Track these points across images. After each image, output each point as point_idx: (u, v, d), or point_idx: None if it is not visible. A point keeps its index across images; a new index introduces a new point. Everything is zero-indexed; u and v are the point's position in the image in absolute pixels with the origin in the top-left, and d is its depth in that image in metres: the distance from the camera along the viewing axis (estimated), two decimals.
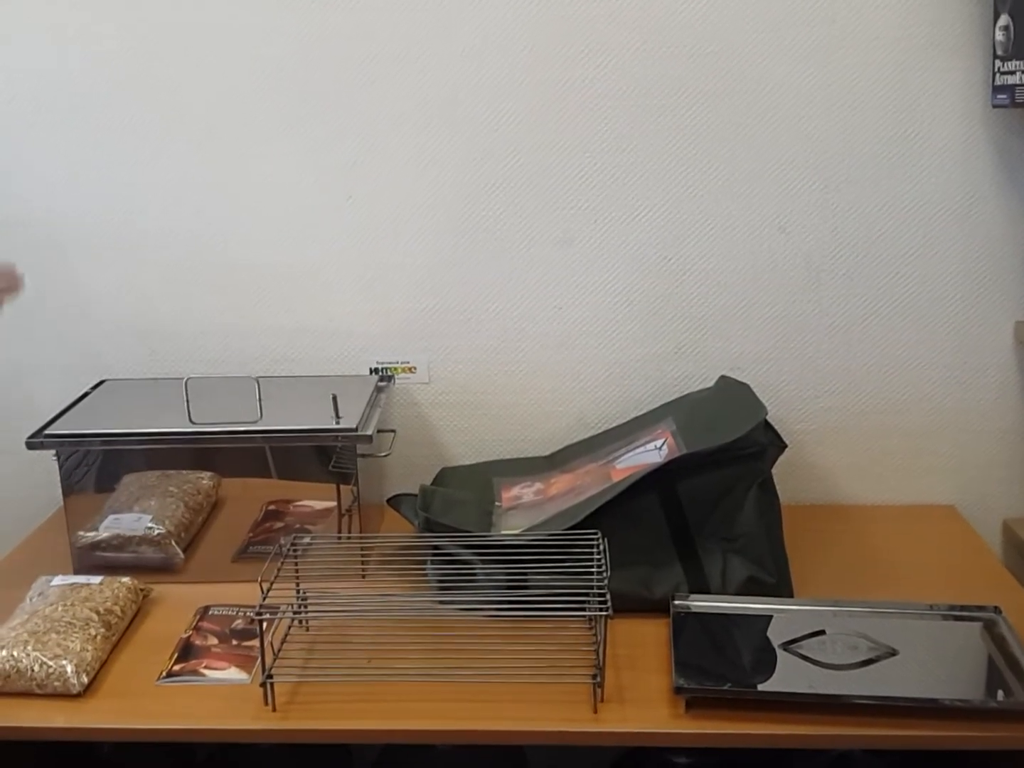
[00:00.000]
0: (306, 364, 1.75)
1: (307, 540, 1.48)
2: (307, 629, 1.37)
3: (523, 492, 1.61)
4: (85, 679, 1.26)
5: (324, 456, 1.51)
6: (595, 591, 1.26)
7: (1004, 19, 1.48)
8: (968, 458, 1.73)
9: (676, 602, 1.37)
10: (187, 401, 1.53)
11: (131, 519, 1.51)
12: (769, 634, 1.32)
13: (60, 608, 1.34)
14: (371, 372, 1.75)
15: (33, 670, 1.25)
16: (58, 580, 1.42)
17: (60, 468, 1.50)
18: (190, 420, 1.50)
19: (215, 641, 1.36)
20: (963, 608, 1.35)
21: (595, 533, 1.37)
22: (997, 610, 1.34)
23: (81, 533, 1.52)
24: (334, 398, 1.52)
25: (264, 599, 1.24)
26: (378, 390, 1.65)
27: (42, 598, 1.38)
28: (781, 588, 1.41)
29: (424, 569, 1.47)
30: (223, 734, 1.22)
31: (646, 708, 1.21)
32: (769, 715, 1.18)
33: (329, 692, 1.25)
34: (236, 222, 1.69)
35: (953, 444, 1.72)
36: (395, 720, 1.20)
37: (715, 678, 1.23)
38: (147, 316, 1.74)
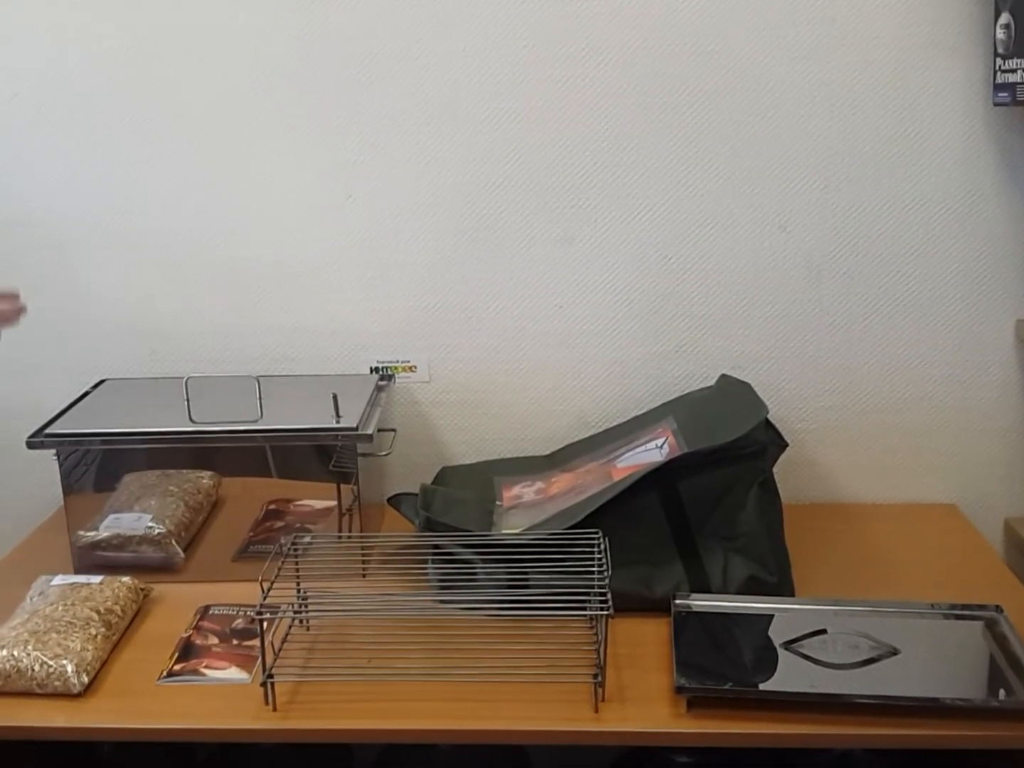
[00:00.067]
0: (306, 363, 1.75)
1: (307, 539, 1.48)
2: (307, 629, 1.37)
3: (524, 491, 1.61)
4: (85, 679, 1.26)
5: (324, 455, 1.51)
6: (596, 590, 1.26)
7: (1005, 17, 1.48)
8: (969, 457, 1.72)
9: (677, 601, 1.37)
10: (187, 400, 1.53)
11: (131, 518, 1.51)
12: (770, 633, 1.32)
13: (60, 608, 1.34)
14: (371, 371, 1.75)
15: (33, 670, 1.25)
16: (58, 580, 1.42)
17: (60, 467, 1.50)
18: (190, 419, 1.50)
19: (215, 640, 1.36)
20: (964, 607, 1.35)
21: (596, 532, 1.37)
22: (998, 609, 1.34)
23: (81, 532, 1.52)
24: (334, 397, 1.52)
25: (264, 598, 1.23)
26: (378, 389, 1.65)
27: (42, 598, 1.38)
28: (782, 587, 1.41)
29: (425, 568, 1.47)
30: (224, 734, 1.22)
31: (647, 707, 1.21)
32: (770, 714, 1.18)
33: (330, 692, 1.24)
34: (236, 221, 1.69)
35: (954, 443, 1.72)
36: (396, 720, 1.20)
37: (716, 677, 1.23)
38: (147, 315, 1.74)
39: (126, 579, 1.43)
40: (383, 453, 1.61)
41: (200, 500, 1.52)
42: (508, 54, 1.59)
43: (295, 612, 1.36)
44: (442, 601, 1.40)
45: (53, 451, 1.49)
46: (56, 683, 1.25)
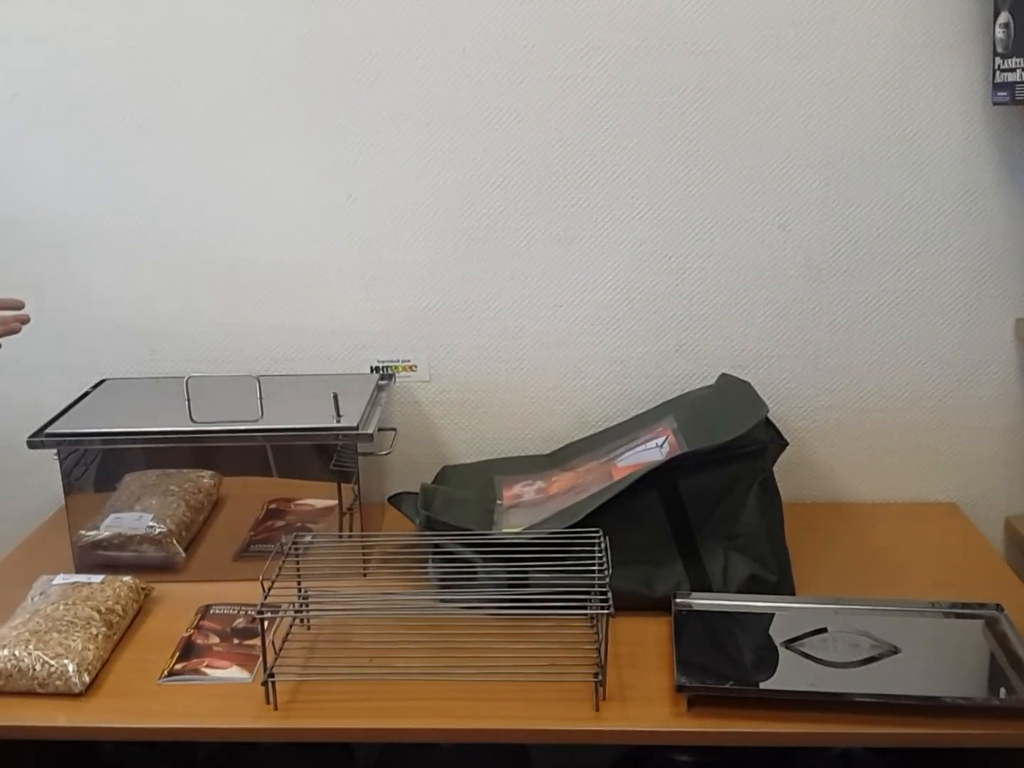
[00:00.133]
0: (307, 363, 1.75)
1: (308, 539, 1.48)
2: (308, 628, 1.37)
3: (524, 490, 1.61)
4: (87, 678, 1.26)
5: (325, 455, 1.51)
6: (596, 589, 1.26)
7: (1004, 16, 1.48)
8: (969, 455, 1.73)
9: (678, 600, 1.37)
10: (188, 400, 1.53)
11: (132, 518, 1.51)
12: (771, 632, 1.32)
13: (62, 607, 1.34)
14: (372, 371, 1.75)
15: (35, 669, 1.25)
16: (59, 579, 1.42)
17: (61, 467, 1.50)
18: (191, 419, 1.50)
19: (216, 640, 1.36)
20: (965, 606, 1.35)
21: (596, 531, 1.37)
22: (999, 607, 1.34)
23: (82, 532, 1.52)
24: (335, 397, 1.52)
25: (265, 598, 1.24)
26: (379, 388, 1.65)
27: (43, 597, 1.38)
28: (782, 586, 1.41)
29: (425, 567, 1.47)
30: (224, 733, 1.22)
31: (648, 706, 1.21)
32: (771, 713, 1.18)
33: (331, 691, 1.25)
34: (236, 221, 1.69)
35: (954, 441, 1.72)
36: (397, 719, 1.20)
37: (717, 676, 1.23)
38: (148, 315, 1.74)
39: (127, 578, 1.43)
40: (384, 452, 1.61)
41: (201, 499, 1.52)
42: (508, 54, 1.59)
43: (296, 611, 1.36)
44: (443, 600, 1.40)
45: (54, 451, 1.49)
46: (57, 682, 1.25)
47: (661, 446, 1.51)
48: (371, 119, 1.63)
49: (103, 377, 1.73)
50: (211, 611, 1.43)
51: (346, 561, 1.48)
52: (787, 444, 1.50)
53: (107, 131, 1.66)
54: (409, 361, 1.74)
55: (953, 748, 1.21)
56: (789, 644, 1.29)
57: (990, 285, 1.65)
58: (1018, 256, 1.64)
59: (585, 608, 1.27)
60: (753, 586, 1.39)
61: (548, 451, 1.73)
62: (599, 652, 1.23)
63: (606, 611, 1.20)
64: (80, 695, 1.25)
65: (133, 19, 1.62)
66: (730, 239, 1.66)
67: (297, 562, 1.40)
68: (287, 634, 1.33)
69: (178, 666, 1.31)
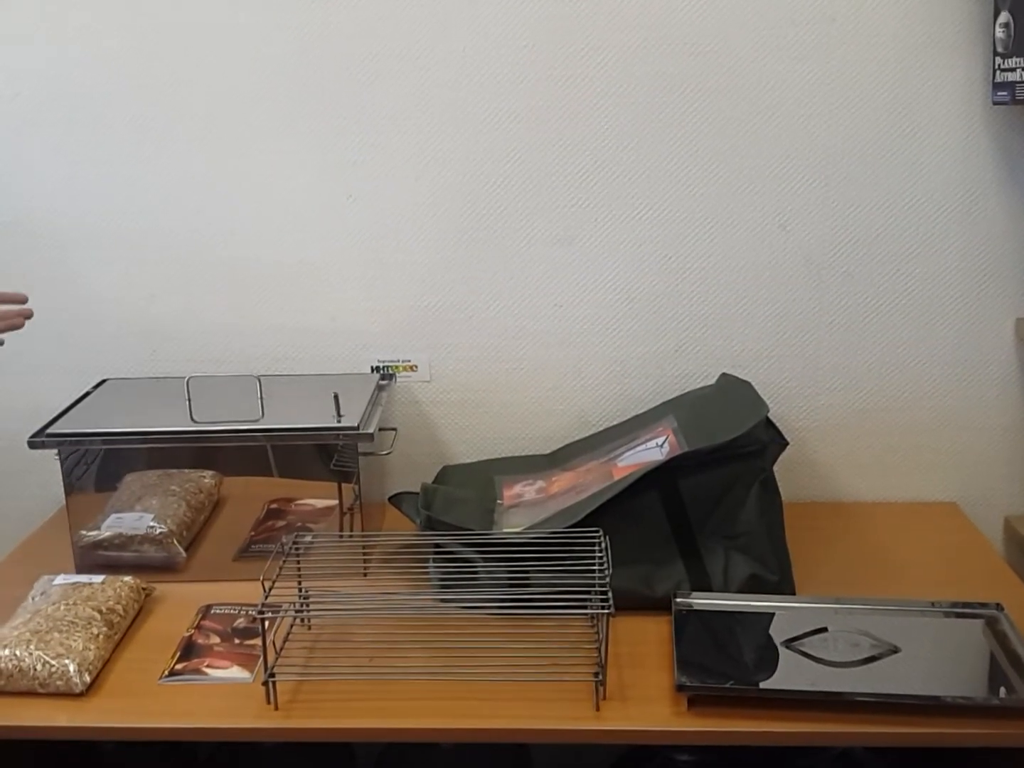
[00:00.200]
0: (307, 363, 1.75)
1: (309, 539, 1.48)
2: (309, 628, 1.38)
3: (525, 490, 1.61)
4: (87, 678, 1.26)
5: (326, 454, 1.51)
6: (597, 589, 1.26)
7: (1004, 16, 1.48)
8: (969, 455, 1.73)
9: (678, 600, 1.37)
10: (189, 400, 1.53)
11: (133, 518, 1.51)
12: (771, 632, 1.32)
13: (62, 607, 1.34)
14: (372, 370, 1.75)
15: (36, 669, 1.25)
16: (60, 579, 1.42)
17: (62, 467, 1.50)
18: (192, 419, 1.50)
19: (217, 640, 1.36)
20: (965, 605, 1.35)
21: (597, 531, 1.37)
22: (999, 607, 1.34)
23: (83, 532, 1.52)
24: (335, 397, 1.52)
25: (266, 598, 1.24)
26: (379, 388, 1.65)
27: (44, 597, 1.38)
28: (783, 586, 1.41)
29: (426, 567, 1.47)
30: (225, 733, 1.22)
31: (648, 706, 1.21)
32: (771, 713, 1.18)
33: (331, 691, 1.25)
34: (237, 221, 1.69)
35: (954, 441, 1.72)
36: (397, 718, 1.20)
37: (717, 676, 1.23)
38: (148, 315, 1.74)
39: (128, 578, 1.43)
40: (384, 452, 1.61)
41: (202, 499, 1.52)
42: (508, 54, 1.59)
43: (296, 611, 1.36)
44: (443, 600, 1.40)
45: (55, 451, 1.49)
46: (58, 682, 1.25)
47: (661, 446, 1.51)
48: (371, 119, 1.63)
49: (104, 377, 1.73)
50: (212, 611, 1.43)
51: (347, 561, 1.48)
52: (787, 444, 1.50)
53: (107, 131, 1.66)
54: (409, 361, 1.74)
55: (953, 748, 1.20)
56: (789, 644, 1.29)
57: (990, 285, 1.65)
58: (1018, 256, 1.64)
59: (585, 608, 1.27)
60: (753, 586, 1.39)
61: (548, 451, 1.74)
62: (599, 652, 1.23)
63: (606, 611, 1.20)
64: (81, 695, 1.25)
65: (133, 19, 1.62)
66: (730, 239, 1.66)
67: (298, 562, 1.40)
68: (288, 634, 1.33)
69: (179, 666, 1.31)
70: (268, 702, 1.23)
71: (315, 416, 1.50)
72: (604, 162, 1.63)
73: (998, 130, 1.59)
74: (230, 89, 1.64)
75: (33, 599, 1.39)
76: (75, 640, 1.28)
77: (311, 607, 1.38)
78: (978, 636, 1.31)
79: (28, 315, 1.43)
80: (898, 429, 1.72)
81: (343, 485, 1.52)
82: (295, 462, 1.51)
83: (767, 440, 1.45)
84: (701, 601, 1.38)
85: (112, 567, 1.50)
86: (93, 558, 1.52)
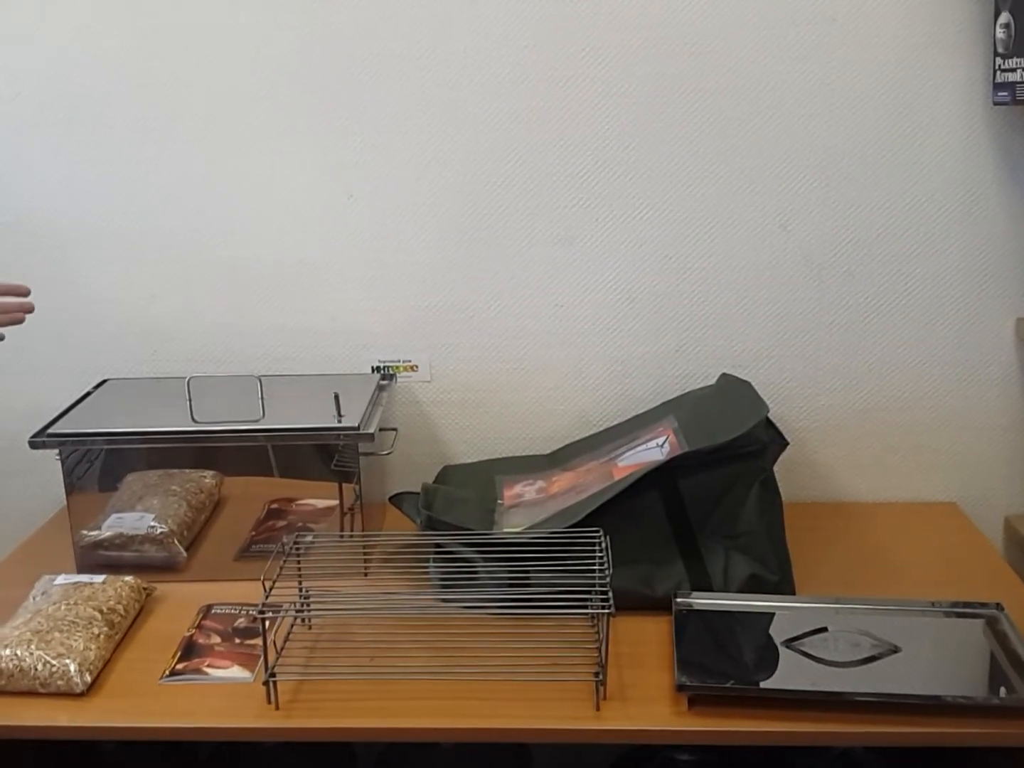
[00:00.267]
0: (308, 363, 1.75)
1: (309, 538, 1.48)
2: (309, 627, 1.38)
3: (525, 490, 1.62)
4: (88, 678, 1.26)
5: (326, 455, 1.51)
6: (597, 589, 1.26)
7: (1005, 17, 1.48)
8: (970, 455, 1.73)
9: (678, 600, 1.37)
10: (189, 400, 1.53)
11: (134, 518, 1.51)
12: (771, 631, 1.32)
13: (63, 607, 1.34)
14: (373, 371, 1.75)
15: (36, 669, 1.25)
16: (61, 579, 1.42)
17: (63, 467, 1.50)
18: (192, 419, 1.50)
19: (218, 640, 1.37)
20: (965, 605, 1.35)
21: (597, 531, 1.37)
22: (999, 607, 1.34)
23: (84, 532, 1.52)
24: (336, 397, 1.52)
25: (267, 597, 1.24)
26: (380, 388, 1.65)
27: (45, 597, 1.38)
28: (783, 586, 1.41)
29: (426, 567, 1.47)
30: (226, 733, 1.22)
31: (648, 706, 1.21)
32: (771, 712, 1.18)
33: (332, 690, 1.25)
34: (237, 221, 1.69)
35: (955, 441, 1.72)
36: (398, 718, 1.20)
37: (717, 676, 1.23)
38: (149, 315, 1.74)
39: (129, 578, 1.43)
40: (385, 452, 1.61)
41: (202, 499, 1.52)
42: (509, 54, 1.59)
43: (297, 611, 1.36)
44: (444, 600, 1.40)
45: (56, 451, 1.49)
46: (59, 682, 1.25)
47: (662, 446, 1.51)
48: (372, 119, 1.64)
49: (105, 377, 1.73)
50: (212, 611, 1.43)
51: (347, 561, 1.48)
52: (787, 444, 1.50)
53: (108, 131, 1.67)
54: (410, 361, 1.74)
55: (954, 747, 1.21)
56: (790, 643, 1.29)
57: (991, 285, 1.65)
58: (1018, 256, 1.64)
59: (586, 608, 1.27)
60: (754, 585, 1.40)
61: (549, 451, 1.74)
62: (600, 651, 1.23)
63: (607, 611, 1.20)
64: (82, 695, 1.25)
65: (133, 19, 1.62)
66: (731, 239, 1.66)
67: (298, 562, 1.40)
68: (288, 634, 1.33)
69: (179, 666, 1.31)
70: (269, 702, 1.23)
71: (316, 416, 1.51)
72: (605, 162, 1.63)
73: (999, 130, 1.59)
74: (230, 89, 1.64)
75: (34, 599, 1.39)
76: (76, 640, 1.28)
77: (312, 607, 1.38)
78: (978, 636, 1.31)
79: (29, 309, 1.43)
80: (898, 429, 1.72)
81: (344, 485, 1.52)
82: (296, 462, 1.51)
83: (767, 440, 1.45)
84: (701, 601, 1.38)
85: (113, 567, 1.50)
86: (94, 558, 1.52)
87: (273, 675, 1.23)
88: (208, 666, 1.31)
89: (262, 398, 1.54)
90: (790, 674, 1.23)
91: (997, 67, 1.52)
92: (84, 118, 1.66)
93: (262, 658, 1.25)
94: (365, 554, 1.51)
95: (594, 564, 1.32)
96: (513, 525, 1.51)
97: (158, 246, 1.71)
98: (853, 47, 1.57)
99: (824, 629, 1.31)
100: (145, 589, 1.45)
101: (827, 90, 1.59)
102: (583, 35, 1.58)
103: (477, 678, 1.24)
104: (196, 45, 1.62)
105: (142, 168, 1.68)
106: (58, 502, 1.65)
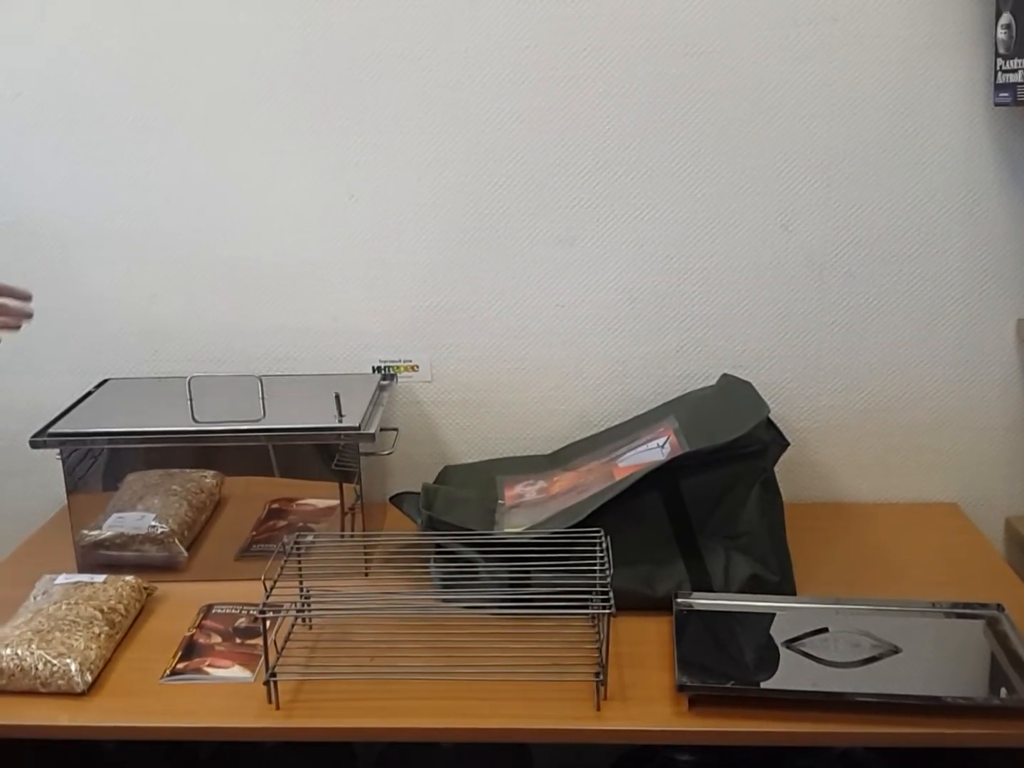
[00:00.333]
0: (309, 363, 1.75)
1: (310, 538, 1.48)
2: (310, 627, 1.38)
3: (526, 490, 1.62)
4: (89, 677, 1.26)
5: (327, 454, 1.51)
6: (598, 589, 1.26)
7: (1006, 17, 1.48)
8: (971, 456, 1.73)
9: (679, 600, 1.37)
10: (190, 400, 1.53)
11: (135, 518, 1.51)
12: (772, 632, 1.32)
13: (64, 607, 1.34)
14: (374, 371, 1.75)
15: (37, 668, 1.25)
16: (62, 579, 1.42)
17: (64, 467, 1.50)
18: (193, 419, 1.50)
19: (218, 639, 1.37)
20: (966, 606, 1.35)
21: (598, 531, 1.37)
22: (1000, 607, 1.34)
23: (85, 532, 1.52)
24: (337, 397, 1.52)
25: (267, 597, 1.24)
26: (381, 388, 1.65)
27: (46, 596, 1.38)
28: (784, 586, 1.41)
29: (427, 567, 1.47)
30: (226, 732, 1.22)
31: (649, 706, 1.21)
32: (772, 713, 1.18)
33: (332, 690, 1.25)
34: (238, 221, 1.69)
35: (956, 442, 1.72)
36: (398, 718, 1.20)
37: (718, 676, 1.23)
38: (150, 315, 1.74)
39: (129, 578, 1.43)
40: (385, 452, 1.61)
41: (203, 499, 1.52)
42: (510, 54, 1.60)
43: (298, 611, 1.36)
44: (444, 600, 1.40)
45: (56, 450, 1.49)
46: (60, 682, 1.25)
47: (662, 446, 1.51)
48: (373, 119, 1.64)
49: (105, 377, 1.73)
50: (213, 611, 1.43)
51: (348, 561, 1.48)
52: (788, 444, 1.50)
53: (108, 131, 1.67)
54: (411, 361, 1.74)
55: (954, 748, 1.20)
56: (790, 644, 1.29)
57: (992, 285, 1.65)
58: (1020, 256, 1.64)
59: (586, 608, 1.27)
60: (754, 586, 1.40)
61: (550, 451, 1.74)
62: (600, 652, 1.23)
63: (607, 611, 1.20)
64: (82, 694, 1.26)
65: (133, 19, 1.62)
66: (732, 239, 1.66)
67: (299, 562, 1.40)
68: (289, 634, 1.33)
69: (180, 665, 1.31)
70: (269, 702, 1.23)
71: (316, 416, 1.51)
72: (606, 162, 1.63)
73: (1000, 131, 1.59)
74: (231, 89, 1.64)
75: (35, 598, 1.39)
76: (77, 639, 1.28)
77: (312, 607, 1.38)
78: (979, 636, 1.31)
79: (28, 314, 1.42)
80: (899, 430, 1.72)
81: (344, 485, 1.52)
82: (296, 462, 1.52)
83: (768, 440, 1.45)
84: (702, 601, 1.38)
85: (114, 566, 1.50)
86: (95, 557, 1.52)
87: (274, 675, 1.23)
88: (209, 666, 1.31)
89: (263, 398, 1.54)
90: (790, 674, 1.23)
91: (998, 68, 1.52)
92: (84, 118, 1.66)
93: (263, 658, 1.25)
94: (366, 554, 1.52)
95: (595, 564, 1.32)
96: (514, 525, 1.51)
97: (159, 246, 1.71)
98: (854, 47, 1.57)
99: (825, 629, 1.31)
100: (146, 589, 1.45)
101: (828, 90, 1.59)
102: (584, 35, 1.58)
103: (477, 678, 1.24)
104: (196, 45, 1.62)
105: (143, 168, 1.68)
106: (59, 502, 1.65)
